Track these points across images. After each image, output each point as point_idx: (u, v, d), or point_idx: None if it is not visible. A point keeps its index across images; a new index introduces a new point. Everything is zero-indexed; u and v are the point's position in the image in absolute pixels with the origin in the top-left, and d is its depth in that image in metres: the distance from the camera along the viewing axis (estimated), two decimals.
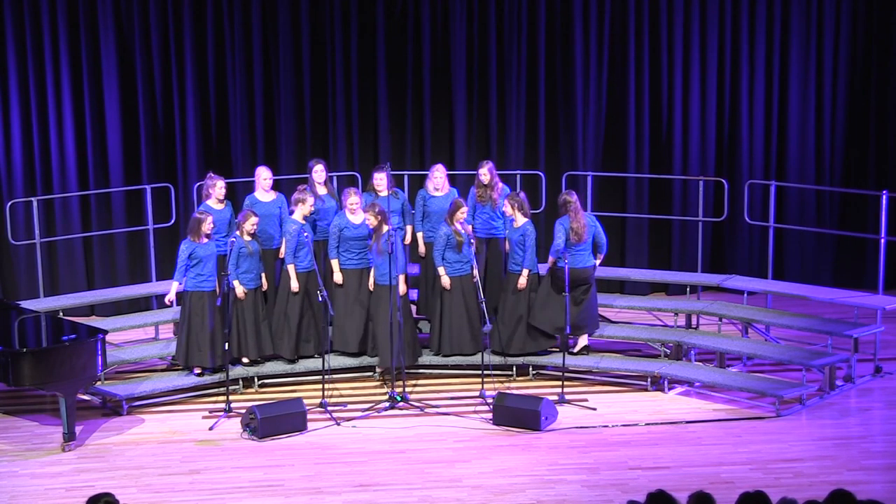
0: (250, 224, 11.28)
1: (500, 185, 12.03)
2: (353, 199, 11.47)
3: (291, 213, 11.52)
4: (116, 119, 13.86)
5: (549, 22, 14.18)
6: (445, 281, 11.57)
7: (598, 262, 11.78)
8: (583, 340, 11.79)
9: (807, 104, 14.42)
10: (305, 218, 11.47)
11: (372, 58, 14.10)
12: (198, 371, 11.33)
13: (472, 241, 11.57)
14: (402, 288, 11.25)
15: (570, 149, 14.36)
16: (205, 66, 13.92)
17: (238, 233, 11.29)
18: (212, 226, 11.19)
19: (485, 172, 11.97)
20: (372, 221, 11.24)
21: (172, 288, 11.26)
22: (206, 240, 11.16)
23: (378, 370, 11.63)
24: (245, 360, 11.52)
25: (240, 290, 11.27)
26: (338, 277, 11.58)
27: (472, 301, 11.50)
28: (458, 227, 11.47)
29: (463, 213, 11.49)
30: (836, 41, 14.37)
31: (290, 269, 11.39)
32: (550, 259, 11.66)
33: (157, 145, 14.00)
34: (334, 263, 11.58)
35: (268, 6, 13.89)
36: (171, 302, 11.36)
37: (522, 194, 11.78)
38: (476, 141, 14.31)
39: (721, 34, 14.29)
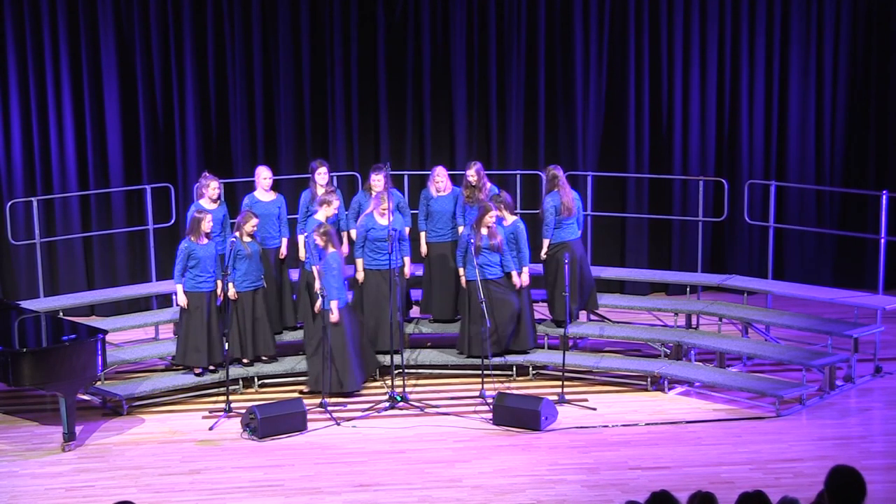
0: (250, 225, 11.27)
1: (489, 185, 12.02)
2: (384, 204, 11.46)
3: (315, 212, 11.50)
4: (116, 119, 13.86)
5: (549, 22, 14.18)
6: (463, 281, 11.59)
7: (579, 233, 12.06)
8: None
9: (807, 104, 14.43)
10: (329, 219, 11.41)
11: (372, 58, 14.11)
12: (197, 371, 11.33)
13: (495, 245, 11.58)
14: (334, 316, 11.05)
15: (570, 149, 14.36)
16: (205, 66, 13.92)
17: (237, 234, 11.28)
18: (211, 224, 11.18)
19: (472, 173, 11.95)
20: (319, 242, 11.12)
21: (178, 291, 11.24)
22: (205, 239, 11.15)
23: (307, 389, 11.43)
24: (245, 360, 11.52)
25: (231, 291, 11.26)
26: (360, 276, 11.58)
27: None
28: (485, 231, 11.43)
29: (491, 217, 11.38)
30: (836, 41, 14.37)
31: (315, 270, 11.32)
32: (545, 242, 11.71)
33: (157, 145, 14.01)
34: (359, 263, 11.57)
35: (268, 6, 13.90)
36: (185, 304, 11.27)
37: (505, 193, 11.83)
38: (476, 141, 14.32)
39: (721, 34, 14.30)
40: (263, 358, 11.56)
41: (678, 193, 14.42)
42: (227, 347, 10.92)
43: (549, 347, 12.02)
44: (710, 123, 14.42)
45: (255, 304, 11.42)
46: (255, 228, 11.31)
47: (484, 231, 11.38)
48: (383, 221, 11.45)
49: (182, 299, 11.19)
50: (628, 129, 14.31)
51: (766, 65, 14.35)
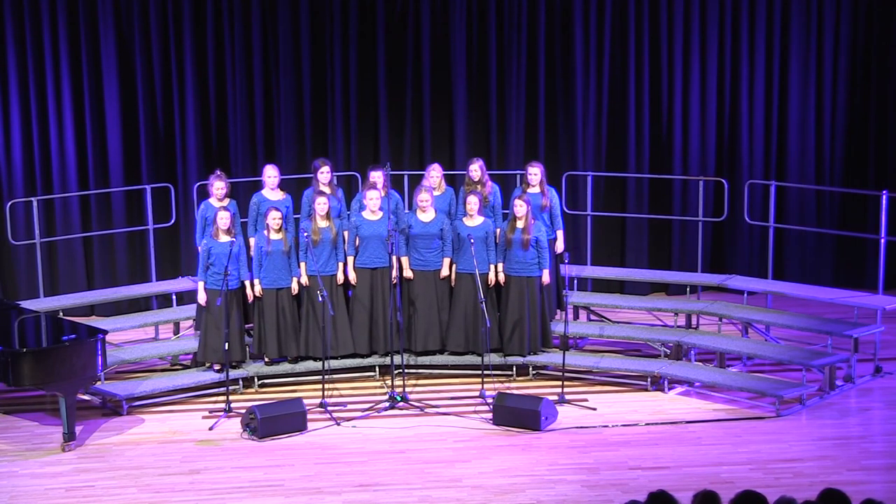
0: (271, 220, 11.24)
1: (490, 183, 12.03)
2: (423, 195, 11.52)
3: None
4: (116, 119, 13.86)
5: (549, 22, 14.19)
6: (501, 276, 11.64)
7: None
8: None
9: (807, 104, 14.43)
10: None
11: (372, 58, 14.11)
12: (217, 367, 11.32)
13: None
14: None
15: (570, 149, 14.36)
16: (205, 66, 13.92)
17: (265, 231, 11.30)
18: (226, 222, 11.18)
19: (475, 169, 11.92)
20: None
21: (199, 287, 11.27)
22: (223, 237, 11.16)
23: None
24: (266, 358, 11.54)
25: (257, 289, 11.33)
26: (408, 273, 11.58)
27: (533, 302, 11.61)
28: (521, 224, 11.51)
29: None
30: (836, 41, 14.37)
31: (350, 260, 11.52)
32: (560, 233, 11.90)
33: (157, 145, 14.00)
34: (404, 261, 11.56)
35: (268, 7, 13.90)
36: (205, 302, 11.28)
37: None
38: (476, 141, 14.31)
39: (721, 34, 14.30)
40: (295, 358, 11.58)
41: (678, 193, 14.42)
42: (226, 347, 10.91)
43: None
44: (710, 123, 14.42)
45: (280, 303, 11.41)
46: (279, 223, 11.27)
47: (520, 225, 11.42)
48: (425, 217, 11.53)
49: (202, 296, 11.23)
50: (628, 129, 14.31)
51: (766, 65, 14.36)
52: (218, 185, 11.64)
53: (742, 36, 14.28)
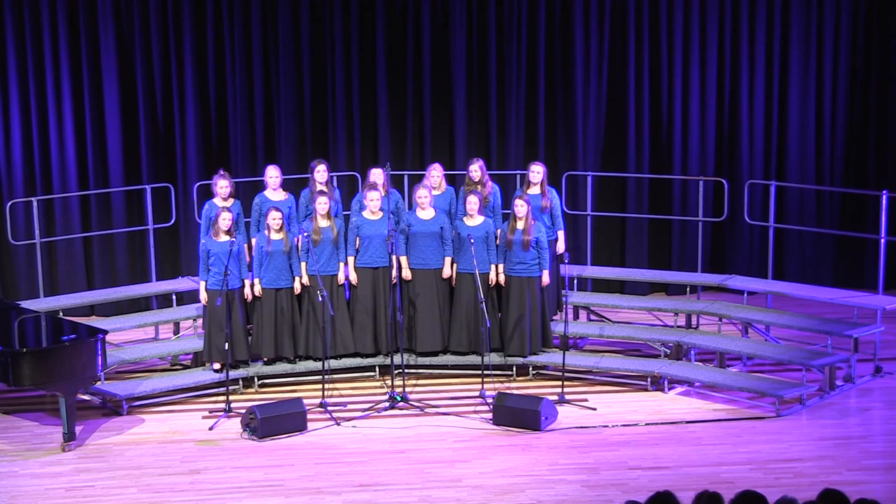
0: (271, 220, 11.25)
1: (490, 183, 12.03)
2: (421, 192, 11.54)
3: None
4: (116, 119, 13.86)
5: (549, 22, 14.19)
6: (501, 277, 11.63)
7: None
8: None
9: (807, 104, 14.43)
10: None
11: (372, 58, 14.11)
12: (217, 367, 11.32)
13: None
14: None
15: (570, 149, 14.36)
16: (205, 66, 13.92)
17: (266, 231, 11.31)
18: (228, 223, 11.18)
19: (475, 169, 11.91)
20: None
21: (201, 287, 11.28)
22: (223, 237, 11.15)
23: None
24: (263, 358, 11.54)
25: (257, 288, 11.32)
26: (407, 274, 11.58)
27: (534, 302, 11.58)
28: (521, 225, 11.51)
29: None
30: (836, 41, 14.38)
31: (350, 260, 11.53)
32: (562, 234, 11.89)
33: (157, 145, 14.01)
34: (403, 260, 11.56)
35: (268, 6, 13.90)
36: (205, 301, 11.30)
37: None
38: (476, 141, 14.32)
39: (721, 34, 14.30)
40: (290, 358, 11.58)
41: (678, 193, 14.43)
42: (227, 347, 10.91)
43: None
44: (710, 123, 14.42)
45: (279, 303, 11.42)
46: (278, 222, 11.27)
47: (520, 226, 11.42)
48: (424, 215, 11.56)
49: (203, 296, 11.24)
50: (628, 128, 14.32)
51: (766, 65, 14.36)
52: (221, 184, 11.63)
53: (742, 36, 14.29)
